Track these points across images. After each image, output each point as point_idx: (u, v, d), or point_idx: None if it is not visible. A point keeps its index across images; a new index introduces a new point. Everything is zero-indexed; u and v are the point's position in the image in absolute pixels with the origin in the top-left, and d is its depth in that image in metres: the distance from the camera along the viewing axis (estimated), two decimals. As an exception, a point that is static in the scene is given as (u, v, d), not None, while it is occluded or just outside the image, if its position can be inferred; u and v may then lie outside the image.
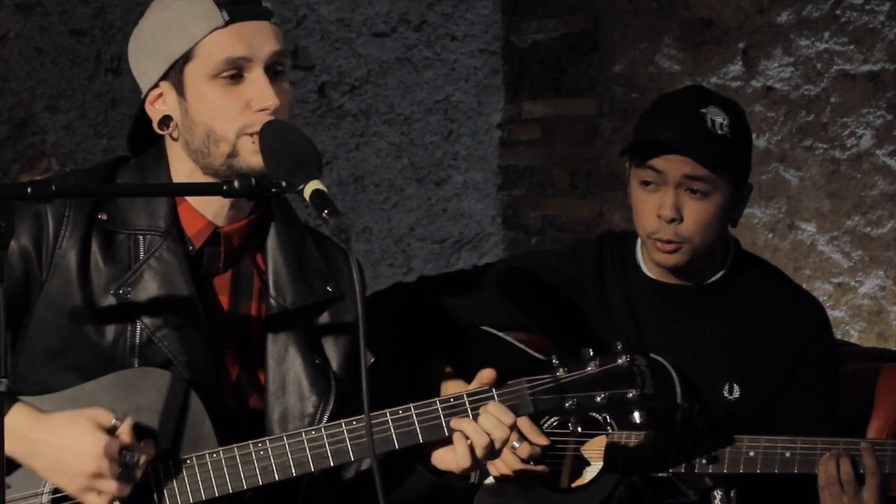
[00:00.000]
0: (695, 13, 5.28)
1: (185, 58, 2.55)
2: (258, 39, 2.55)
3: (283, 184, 2.40)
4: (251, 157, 2.53)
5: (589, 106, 5.66)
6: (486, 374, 2.64)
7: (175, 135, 2.60)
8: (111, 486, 2.41)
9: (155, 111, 2.60)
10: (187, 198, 2.63)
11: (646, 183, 3.15)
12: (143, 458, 2.45)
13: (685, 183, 3.12)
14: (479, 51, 5.94)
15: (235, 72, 2.54)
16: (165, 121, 2.60)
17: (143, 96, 2.62)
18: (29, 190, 2.26)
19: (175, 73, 2.56)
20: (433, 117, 5.86)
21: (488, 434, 2.56)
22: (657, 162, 3.12)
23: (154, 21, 2.59)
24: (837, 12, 4.89)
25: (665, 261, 3.18)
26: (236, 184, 2.42)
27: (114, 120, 5.10)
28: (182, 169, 2.62)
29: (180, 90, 2.56)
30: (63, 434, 2.41)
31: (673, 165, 3.11)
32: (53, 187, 2.28)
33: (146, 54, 2.60)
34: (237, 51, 2.53)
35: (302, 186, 2.38)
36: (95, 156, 5.05)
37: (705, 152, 3.11)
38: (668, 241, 3.14)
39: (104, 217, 2.59)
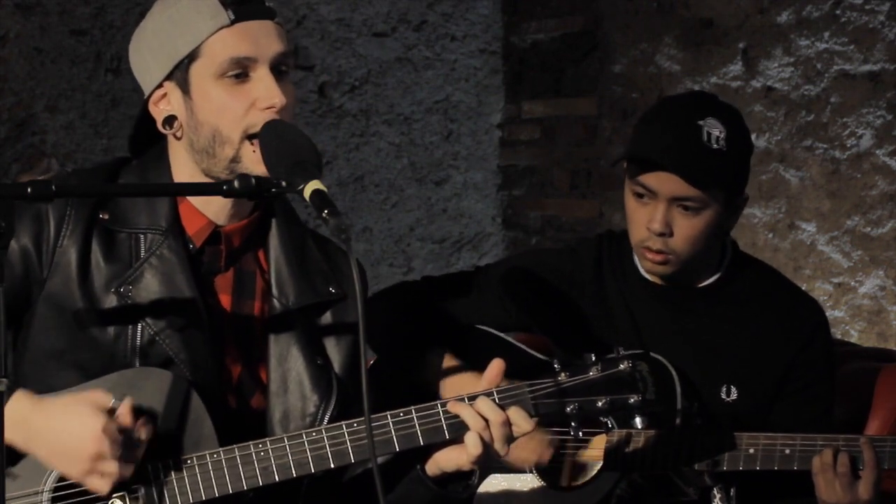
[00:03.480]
0: (695, 13, 5.28)
1: (191, 57, 2.54)
2: (263, 39, 2.55)
3: (283, 184, 2.40)
4: (254, 165, 2.52)
5: (589, 106, 5.66)
6: (496, 365, 2.63)
7: (179, 135, 2.59)
8: (113, 467, 2.40)
9: (159, 111, 2.60)
10: (187, 197, 2.63)
11: (638, 195, 3.15)
12: (143, 436, 2.44)
13: (676, 200, 3.12)
14: (479, 51, 5.94)
15: (241, 71, 2.54)
16: (170, 120, 2.59)
17: (146, 96, 2.61)
18: (29, 190, 2.26)
19: (180, 72, 2.56)
20: (433, 117, 5.86)
21: (485, 418, 2.56)
22: (648, 179, 3.11)
23: (158, 20, 2.58)
24: (837, 12, 4.89)
25: (653, 269, 3.20)
26: (236, 184, 2.41)
27: (114, 120, 5.11)
28: (184, 170, 2.62)
29: (185, 90, 2.56)
30: (62, 419, 2.41)
31: (664, 184, 3.10)
32: (53, 187, 2.27)
33: (150, 54, 2.59)
34: (243, 50, 2.53)
35: (302, 186, 2.37)
36: (95, 156, 5.05)
37: (696, 172, 3.09)
38: (658, 252, 3.15)
39: (105, 216, 2.59)
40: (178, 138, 2.60)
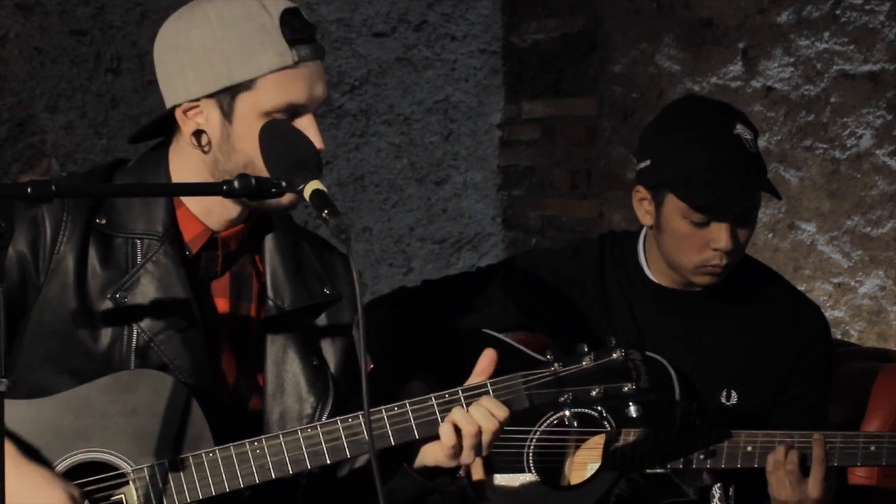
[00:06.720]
0: (695, 13, 5.28)
1: (244, 87, 2.50)
2: (316, 85, 2.53)
3: (283, 184, 2.40)
4: (283, 197, 2.50)
5: (589, 106, 5.66)
6: (488, 355, 2.63)
7: (207, 149, 2.56)
8: None
9: (188, 121, 2.55)
10: (186, 203, 2.61)
11: (697, 223, 3.11)
12: None
13: (741, 215, 3.11)
14: (479, 51, 5.94)
15: (290, 115, 2.52)
16: (197, 134, 2.56)
17: (176, 104, 2.55)
18: (29, 190, 2.25)
19: (226, 96, 2.51)
20: (433, 117, 5.86)
21: (478, 424, 2.56)
22: (711, 206, 3.08)
23: (211, 35, 2.51)
24: (837, 12, 4.89)
25: (712, 283, 3.17)
26: (236, 184, 2.41)
27: (114, 120, 5.10)
28: (188, 177, 2.60)
29: (227, 114, 2.52)
30: (36, 487, 2.41)
31: (729, 206, 3.08)
32: (53, 187, 2.27)
33: (192, 65, 2.52)
34: (299, 97, 2.50)
35: (302, 186, 2.38)
36: (95, 156, 5.05)
37: (756, 183, 3.10)
38: (723, 267, 3.13)
39: (102, 221, 2.58)
40: (205, 153, 2.57)
